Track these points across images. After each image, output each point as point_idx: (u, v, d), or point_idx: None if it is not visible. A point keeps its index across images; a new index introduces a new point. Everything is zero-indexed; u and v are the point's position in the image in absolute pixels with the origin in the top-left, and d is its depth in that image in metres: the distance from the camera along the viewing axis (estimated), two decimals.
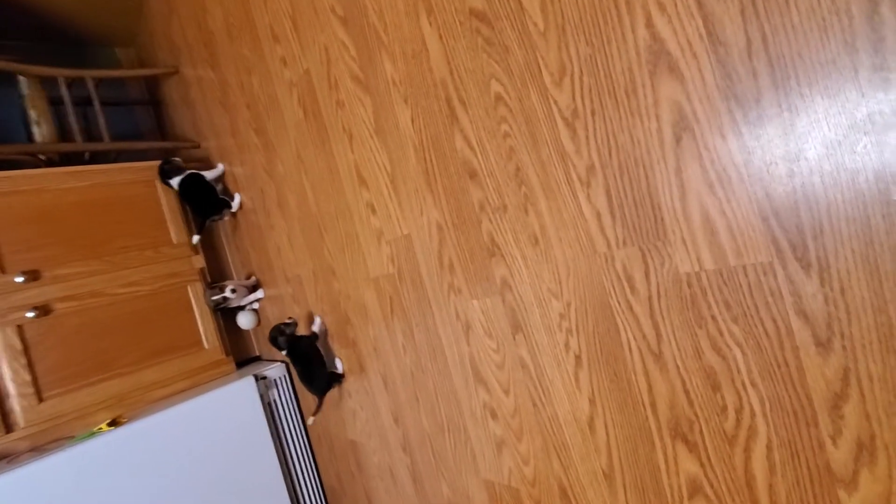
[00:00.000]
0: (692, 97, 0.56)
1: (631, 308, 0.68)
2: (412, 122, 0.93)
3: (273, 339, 1.31)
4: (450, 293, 0.96)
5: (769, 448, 0.58)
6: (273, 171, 1.44)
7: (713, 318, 0.60)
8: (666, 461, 0.69)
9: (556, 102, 0.69)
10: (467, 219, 0.88)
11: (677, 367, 0.64)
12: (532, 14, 0.69)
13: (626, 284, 0.67)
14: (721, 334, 0.59)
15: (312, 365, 1.31)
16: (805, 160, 0.49)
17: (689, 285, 0.61)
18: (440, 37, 0.83)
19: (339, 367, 1.37)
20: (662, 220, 0.62)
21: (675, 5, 0.55)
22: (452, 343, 0.99)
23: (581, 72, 0.65)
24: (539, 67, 0.70)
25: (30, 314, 1.39)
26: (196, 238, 1.65)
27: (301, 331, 1.49)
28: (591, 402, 0.76)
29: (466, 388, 0.99)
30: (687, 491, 0.67)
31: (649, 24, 0.58)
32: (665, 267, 0.63)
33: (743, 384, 0.59)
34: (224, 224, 1.87)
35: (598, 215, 0.68)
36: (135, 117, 2.24)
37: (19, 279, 1.39)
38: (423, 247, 0.99)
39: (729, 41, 0.52)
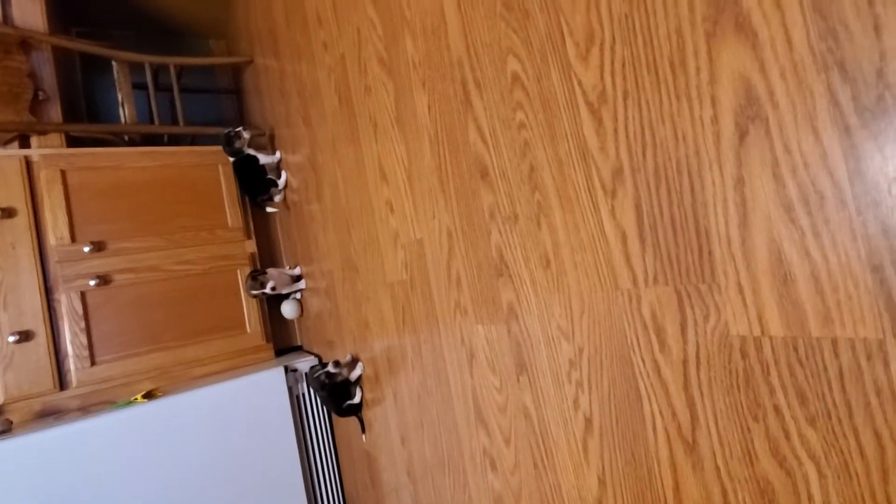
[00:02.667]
0: (769, 68, 0.36)
1: (658, 371, 0.48)
2: (429, 109, 0.80)
3: (315, 388, 1.29)
4: (456, 312, 0.81)
5: None
6: (315, 161, 1.39)
7: (777, 409, 0.39)
8: None
9: (579, 82, 0.52)
10: (477, 227, 0.73)
11: (717, 468, 0.44)
12: None
13: (654, 337, 0.48)
14: (787, 437, 0.39)
15: (341, 399, 1.27)
16: None
17: (744, 355, 0.41)
18: (458, 4, 0.69)
19: (357, 397, 1.30)
20: (710, 253, 0.42)
21: None
22: (457, 370, 0.84)
23: (613, 39, 0.47)
24: (563, 35, 0.53)
25: (92, 282, 1.49)
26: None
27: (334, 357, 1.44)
28: (601, 482, 0.57)
29: (468, 425, 0.83)
30: None
31: None
32: (710, 322, 0.43)
33: None
34: (278, 212, 1.89)
35: (624, 238, 0.50)
36: (220, 105, 2.37)
37: (87, 248, 1.49)
38: (434, 255, 0.85)
39: None
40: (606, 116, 0.49)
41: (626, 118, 0.47)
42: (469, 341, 0.79)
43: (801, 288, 0.36)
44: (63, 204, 1.53)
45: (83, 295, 1.49)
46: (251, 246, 1.77)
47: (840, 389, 0.35)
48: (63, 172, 1.54)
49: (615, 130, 0.49)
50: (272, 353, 1.76)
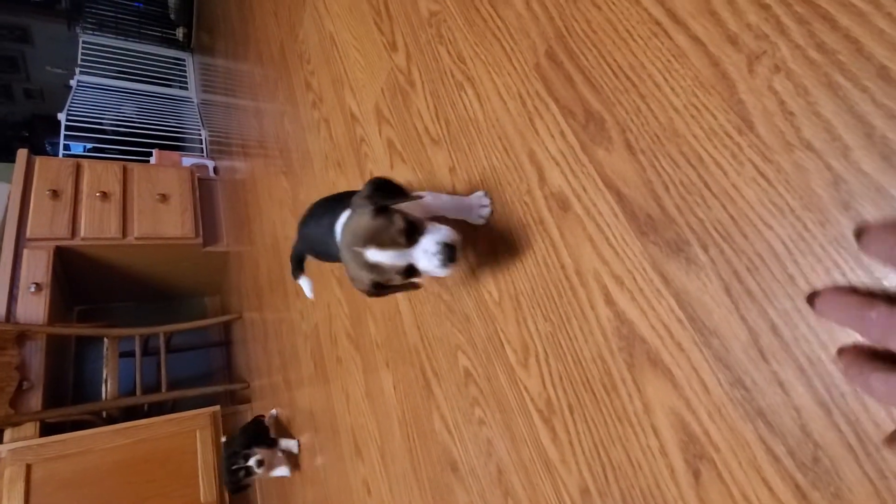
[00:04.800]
0: (696, 408, 0.36)
1: None
2: (394, 389, 0.79)
3: None
4: None
5: None
6: (293, 421, 1.33)
7: None
8: None
9: (525, 388, 0.52)
10: None
11: None
12: (484, 281, 0.58)
13: None
14: None
15: None
16: None
17: None
18: (409, 299, 0.74)
19: None
20: None
21: (634, 278, 0.40)
22: None
23: (546, 353, 0.49)
24: (501, 342, 0.55)
25: None
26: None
27: None
28: None
29: None
30: None
31: (609, 300, 0.42)
32: None
33: None
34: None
35: None
36: (209, 357, 2.41)
37: None
38: None
39: (721, 331, 0.34)
40: (559, 427, 0.48)
41: (578, 433, 0.45)
42: None
43: None
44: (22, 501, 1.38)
45: None
46: None
47: None
48: (28, 467, 1.44)
49: (570, 443, 0.46)
50: None
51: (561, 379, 0.47)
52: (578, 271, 0.45)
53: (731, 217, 0.33)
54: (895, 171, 0.26)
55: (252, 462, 1.20)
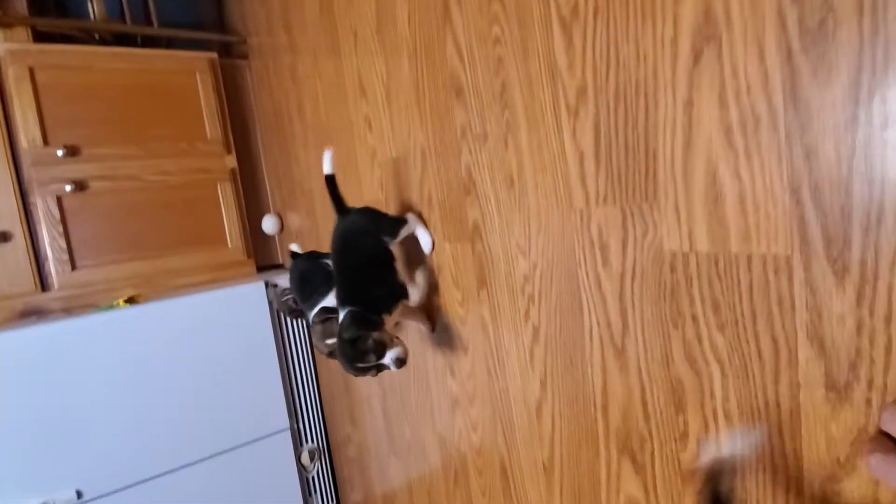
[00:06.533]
0: None
1: (600, 285, 0.52)
2: (409, 20, 0.77)
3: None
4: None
5: None
6: (295, 73, 1.34)
7: (694, 318, 0.43)
8: (608, 475, 0.56)
9: None
10: (449, 146, 0.73)
11: (640, 370, 0.49)
12: None
13: (598, 254, 0.52)
14: (700, 341, 0.43)
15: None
16: (886, 104, 0.30)
17: (673, 269, 0.44)
18: None
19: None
20: (655, 174, 0.44)
21: None
22: None
23: None
24: None
25: (68, 188, 1.47)
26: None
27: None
28: (543, 385, 0.63)
29: (431, 337, 0.89)
30: None
31: None
32: (647, 238, 0.46)
33: (714, 413, 0.43)
34: (261, 126, 1.84)
35: (582, 158, 0.51)
36: (197, 5, 2.21)
37: (60, 152, 1.45)
38: (408, 174, 0.86)
39: None
40: (576, 33, 0.49)
41: (595, 35, 0.47)
42: (437, 258, 0.82)
43: (728, 207, 0.39)
44: (33, 104, 1.46)
45: (59, 199, 1.48)
46: (231, 161, 1.74)
47: (748, 300, 0.39)
48: (31, 70, 1.46)
49: (583, 48, 0.49)
50: (253, 268, 1.79)
51: None
52: None
53: None
54: None
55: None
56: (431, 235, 0.81)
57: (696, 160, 0.41)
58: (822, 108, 0.32)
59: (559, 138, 0.53)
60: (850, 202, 0.32)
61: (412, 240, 0.84)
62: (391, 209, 0.95)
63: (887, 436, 0.28)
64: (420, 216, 0.83)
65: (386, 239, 0.78)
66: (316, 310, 0.91)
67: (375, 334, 0.69)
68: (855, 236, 0.32)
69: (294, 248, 1.15)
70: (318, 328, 0.87)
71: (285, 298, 1.23)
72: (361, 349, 0.68)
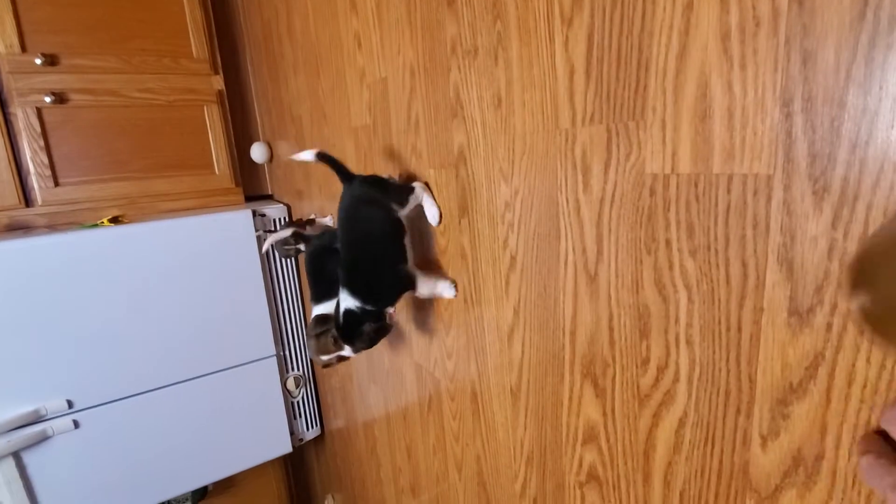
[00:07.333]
0: None
1: (579, 210, 0.51)
2: None
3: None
4: (412, 156, 0.81)
5: (682, 422, 0.44)
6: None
7: (668, 243, 0.42)
8: (570, 399, 0.57)
9: None
10: (438, 63, 0.69)
11: (609, 296, 0.49)
12: None
13: (580, 177, 0.50)
14: (671, 267, 0.42)
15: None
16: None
17: (652, 193, 0.43)
18: None
19: None
20: (645, 88, 0.41)
21: None
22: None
23: None
24: None
25: (48, 99, 1.41)
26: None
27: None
28: (516, 312, 0.63)
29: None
30: (583, 436, 0.56)
31: None
32: (630, 160, 0.44)
33: (676, 338, 0.43)
34: (250, 47, 1.75)
35: (572, 72, 0.48)
36: None
37: (39, 61, 1.38)
38: (396, 95, 0.82)
39: None
40: None
41: None
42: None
43: (715, 124, 0.37)
44: (10, 6, 1.37)
45: (39, 112, 1.42)
46: (218, 82, 1.66)
47: (724, 223, 0.38)
48: None
49: None
50: (241, 197, 1.77)
51: None
52: None
53: None
54: None
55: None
56: (439, 207, 0.77)
57: (689, 71, 0.38)
58: (828, 3, 0.29)
59: (550, 50, 0.50)
60: (842, 114, 0.30)
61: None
62: (379, 134, 0.91)
63: (884, 436, 0.26)
64: (427, 185, 0.79)
65: (395, 207, 0.74)
66: (315, 312, 0.90)
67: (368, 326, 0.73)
68: (841, 153, 0.30)
69: (282, 234, 1.14)
70: (312, 343, 0.84)
71: (279, 240, 1.19)
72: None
